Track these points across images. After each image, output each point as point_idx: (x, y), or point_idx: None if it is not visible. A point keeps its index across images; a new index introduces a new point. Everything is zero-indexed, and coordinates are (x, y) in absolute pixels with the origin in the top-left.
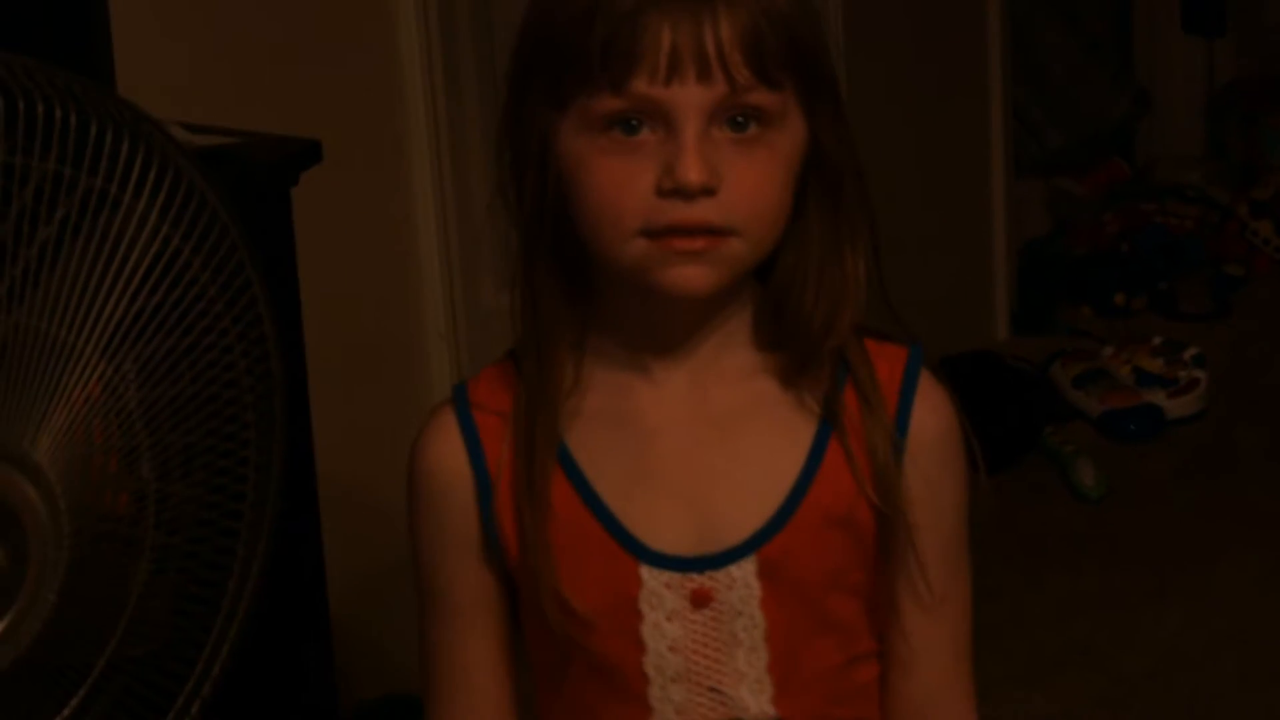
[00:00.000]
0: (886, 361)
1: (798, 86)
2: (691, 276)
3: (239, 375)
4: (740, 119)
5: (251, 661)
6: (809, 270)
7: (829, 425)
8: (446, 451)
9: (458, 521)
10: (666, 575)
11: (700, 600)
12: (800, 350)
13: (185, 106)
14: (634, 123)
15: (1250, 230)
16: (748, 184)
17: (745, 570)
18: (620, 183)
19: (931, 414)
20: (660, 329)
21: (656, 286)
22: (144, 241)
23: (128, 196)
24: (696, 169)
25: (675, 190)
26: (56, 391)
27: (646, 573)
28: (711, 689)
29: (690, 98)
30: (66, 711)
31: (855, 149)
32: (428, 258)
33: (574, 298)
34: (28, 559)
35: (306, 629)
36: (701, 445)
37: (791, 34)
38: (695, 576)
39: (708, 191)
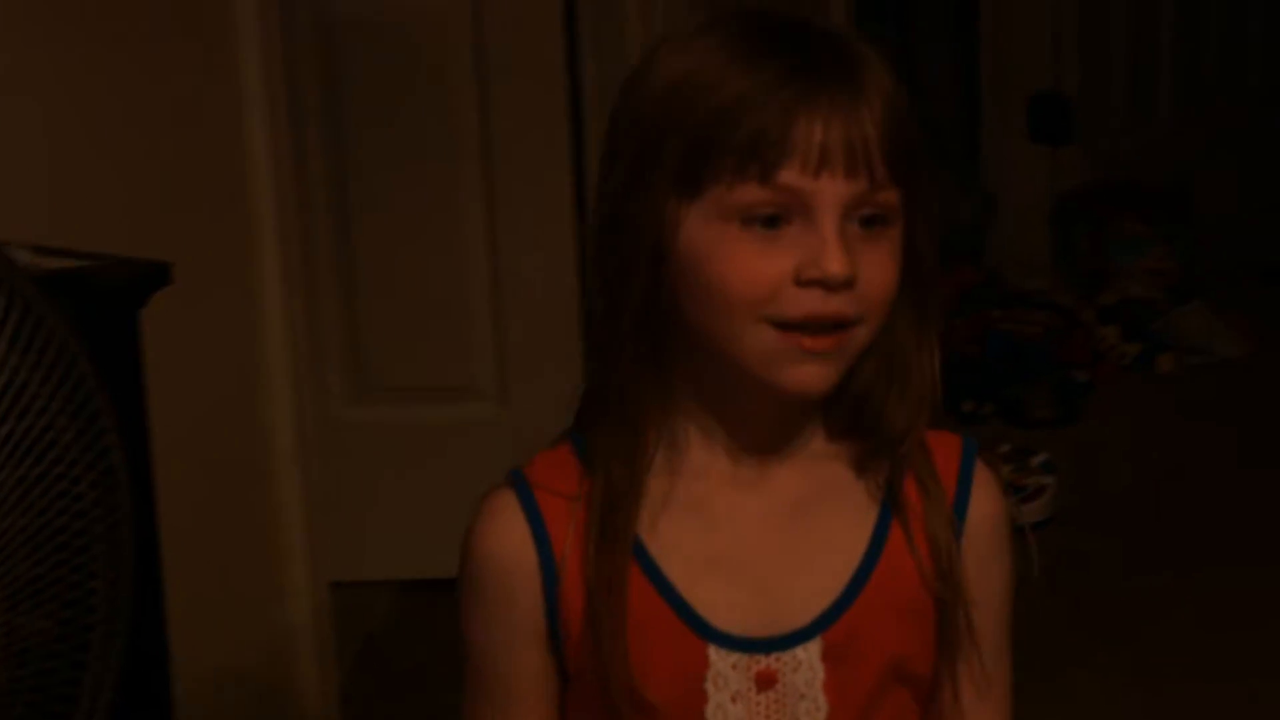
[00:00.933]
0: (943, 450)
1: (907, 186)
2: (814, 376)
3: (87, 506)
4: (869, 215)
5: None
6: (895, 369)
7: (890, 512)
8: (511, 536)
9: (522, 607)
10: (734, 656)
11: (765, 682)
12: (876, 443)
13: (36, 227)
14: (775, 218)
15: (1097, 336)
16: (877, 277)
17: (810, 653)
18: (758, 269)
19: (987, 500)
20: (752, 421)
21: (777, 383)
22: None
23: None
24: (840, 261)
25: (819, 281)
26: None
27: (714, 653)
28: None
29: (836, 191)
30: None
31: (939, 253)
32: (278, 375)
33: (662, 389)
34: None
35: None
36: (769, 529)
37: (910, 135)
38: (761, 658)
39: (848, 284)
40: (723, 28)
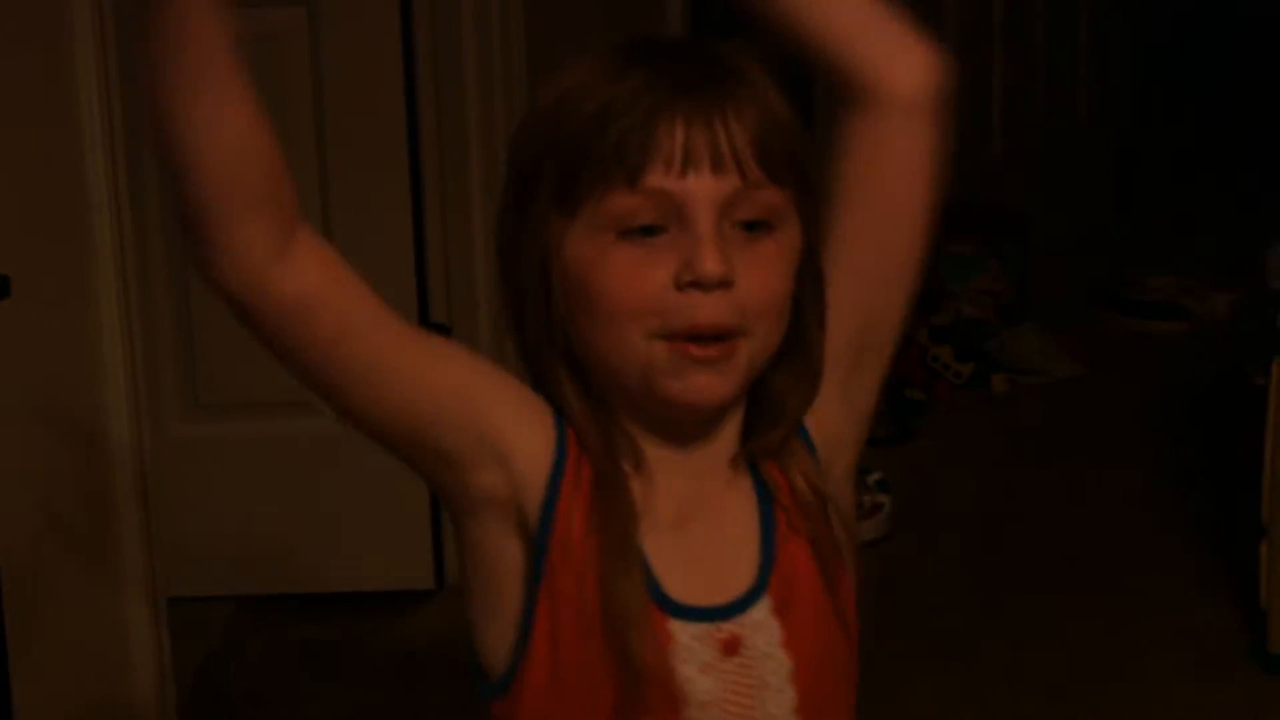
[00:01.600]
0: None
1: (795, 191)
2: (707, 386)
3: None
4: (750, 219)
5: None
6: (802, 374)
7: (761, 487)
8: (540, 425)
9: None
10: (695, 628)
11: (730, 648)
12: (775, 439)
13: None
14: (652, 227)
15: (931, 355)
16: (758, 280)
17: (763, 610)
18: (637, 277)
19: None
20: (672, 426)
21: (670, 397)
22: None
23: None
24: (714, 259)
25: (694, 282)
26: None
27: (676, 627)
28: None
29: (705, 190)
30: None
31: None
32: (113, 391)
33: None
34: None
35: None
36: (703, 510)
37: (790, 140)
38: (722, 624)
39: (725, 284)
40: (602, 50)
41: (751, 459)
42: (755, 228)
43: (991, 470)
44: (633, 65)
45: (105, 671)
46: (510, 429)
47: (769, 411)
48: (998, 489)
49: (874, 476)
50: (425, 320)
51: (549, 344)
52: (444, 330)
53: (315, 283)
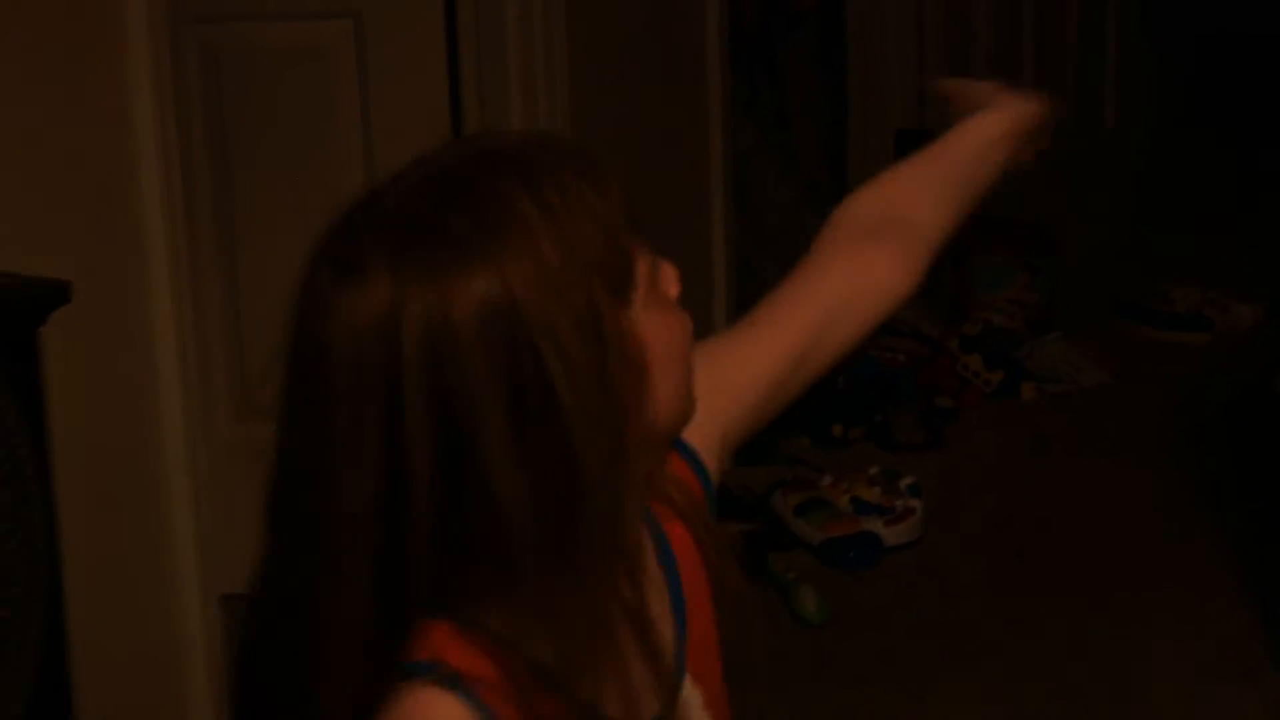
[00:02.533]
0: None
1: None
2: None
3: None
4: None
5: None
6: None
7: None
8: None
9: None
10: None
11: None
12: None
13: None
14: None
15: (961, 364)
16: None
17: (688, 685)
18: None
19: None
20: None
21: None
22: None
23: None
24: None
25: None
26: None
27: None
28: None
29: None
30: None
31: None
32: (169, 392)
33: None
34: None
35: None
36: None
37: None
38: None
39: None
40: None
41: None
42: None
43: (1019, 476)
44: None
45: (159, 664)
46: None
47: None
48: (1025, 495)
49: (905, 481)
50: None
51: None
52: None
53: None
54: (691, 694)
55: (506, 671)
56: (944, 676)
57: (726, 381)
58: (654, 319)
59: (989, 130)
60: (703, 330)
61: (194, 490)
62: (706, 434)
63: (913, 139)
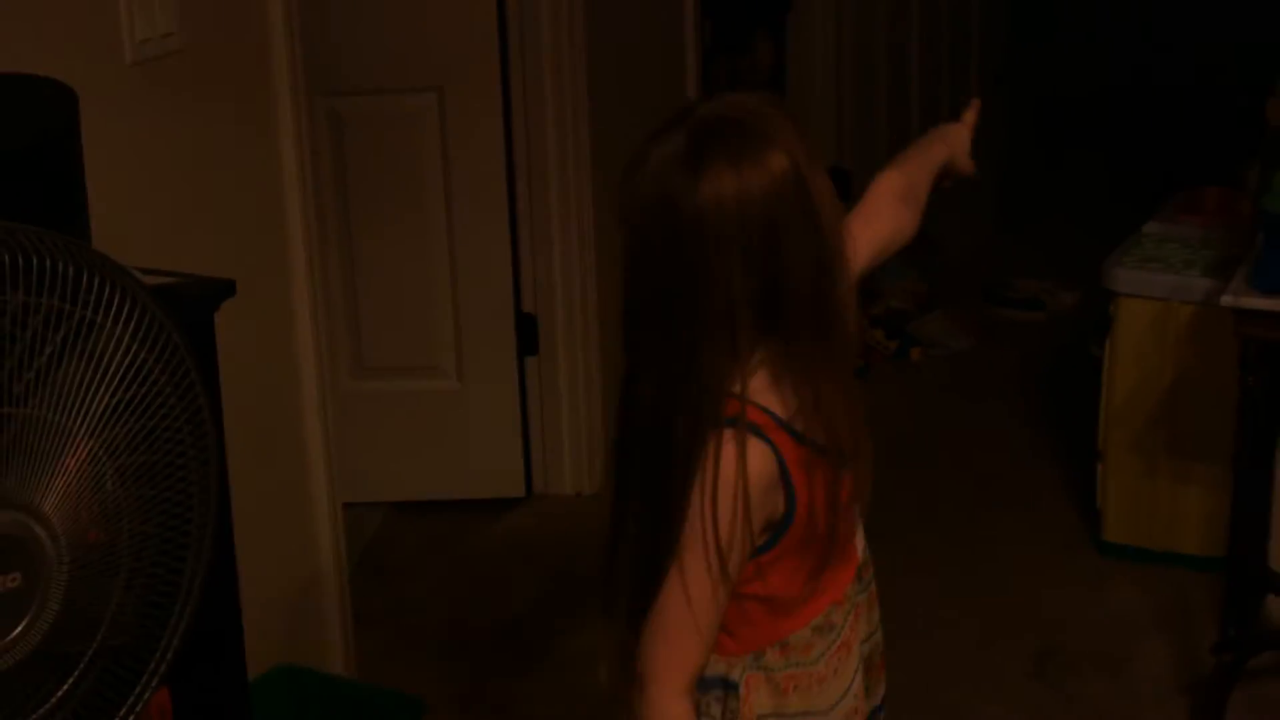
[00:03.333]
0: None
1: None
2: None
3: (186, 448)
4: None
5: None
6: None
7: None
8: (769, 464)
9: (768, 509)
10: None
11: None
12: None
13: (148, 256)
14: None
15: (870, 336)
16: None
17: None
18: None
19: None
20: None
21: None
22: (119, 354)
23: (108, 322)
24: None
25: None
26: (57, 461)
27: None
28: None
29: None
30: (66, 686)
31: None
32: (306, 358)
33: None
34: (38, 579)
35: (225, 618)
36: None
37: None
38: None
39: None
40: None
41: None
42: None
43: (910, 415)
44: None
45: (298, 552)
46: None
47: None
48: (914, 428)
49: None
50: (519, 309)
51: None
52: (531, 319)
53: None
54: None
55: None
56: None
57: None
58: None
59: (941, 155)
60: None
61: (323, 428)
62: None
63: (833, 174)
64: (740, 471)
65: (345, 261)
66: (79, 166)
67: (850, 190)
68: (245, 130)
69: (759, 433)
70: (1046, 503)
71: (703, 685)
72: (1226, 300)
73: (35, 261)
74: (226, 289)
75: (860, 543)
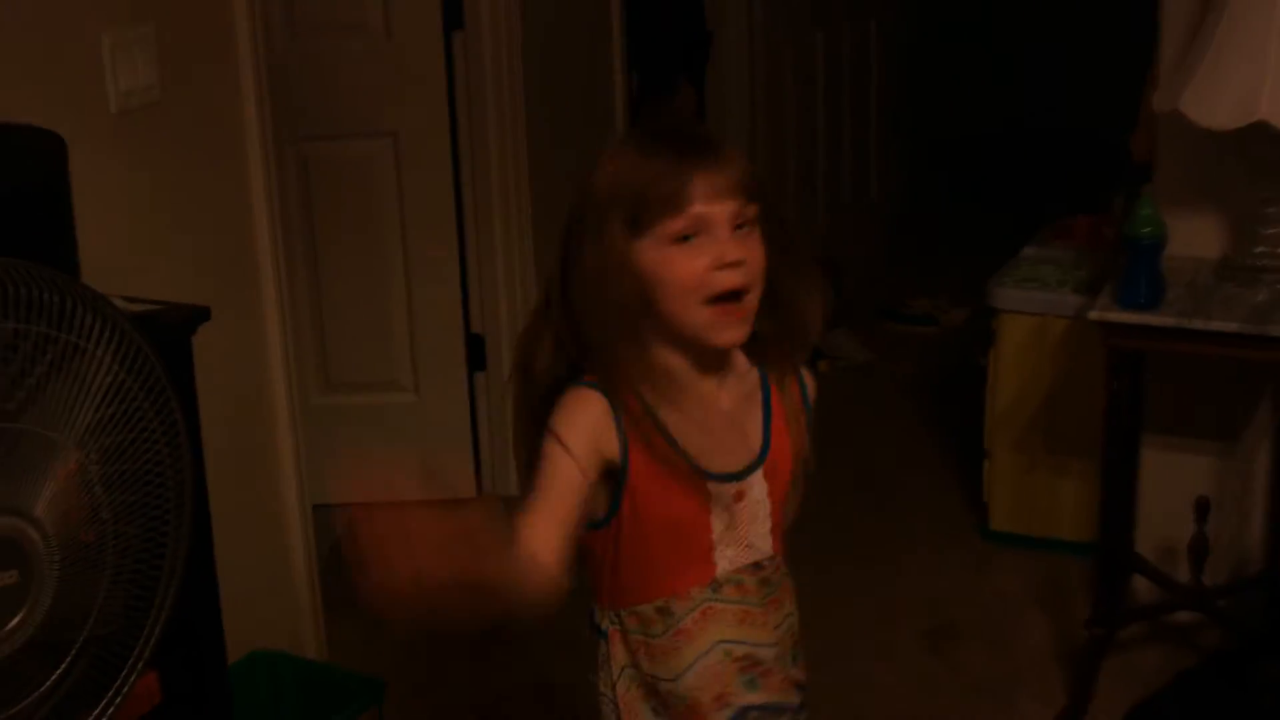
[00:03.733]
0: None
1: (759, 203)
2: (736, 335)
3: (163, 457)
4: (740, 224)
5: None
6: (785, 321)
7: (768, 400)
8: (601, 406)
9: (606, 441)
10: (722, 485)
11: (739, 497)
12: (775, 366)
13: (126, 279)
14: (689, 236)
15: None
16: (752, 257)
17: (758, 475)
18: (690, 264)
19: (810, 387)
20: (705, 358)
21: (715, 343)
22: (101, 375)
23: (91, 347)
24: (735, 250)
25: (726, 264)
26: (48, 470)
27: (712, 486)
28: (747, 545)
29: (724, 210)
30: (59, 672)
31: (808, 246)
32: (277, 376)
33: (642, 351)
34: (32, 576)
35: (205, 609)
36: (724, 414)
37: (754, 177)
38: (736, 484)
39: (739, 263)
40: (629, 143)
41: (765, 385)
42: (742, 227)
43: (819, 418)
44: (662, 145)
45: (273, 549)
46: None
47: (771, 351)
48: (824, 429)
49: None
50: (468, 329)
51: (630, 313)
52: (479, 338)
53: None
54: (759, 481)
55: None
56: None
57: None
58: (652, 254)
59: None
60: None
61: (294, 437)
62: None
63: None
64: (577, 393)
65: (313, 290)
66: (68, 206)
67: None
68: (219, 172)
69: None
70: (939, 497)
71: (591, 627)
72: (1094, 315)
73: (25, 292)
74: (202, 314)
75: (738, 563)
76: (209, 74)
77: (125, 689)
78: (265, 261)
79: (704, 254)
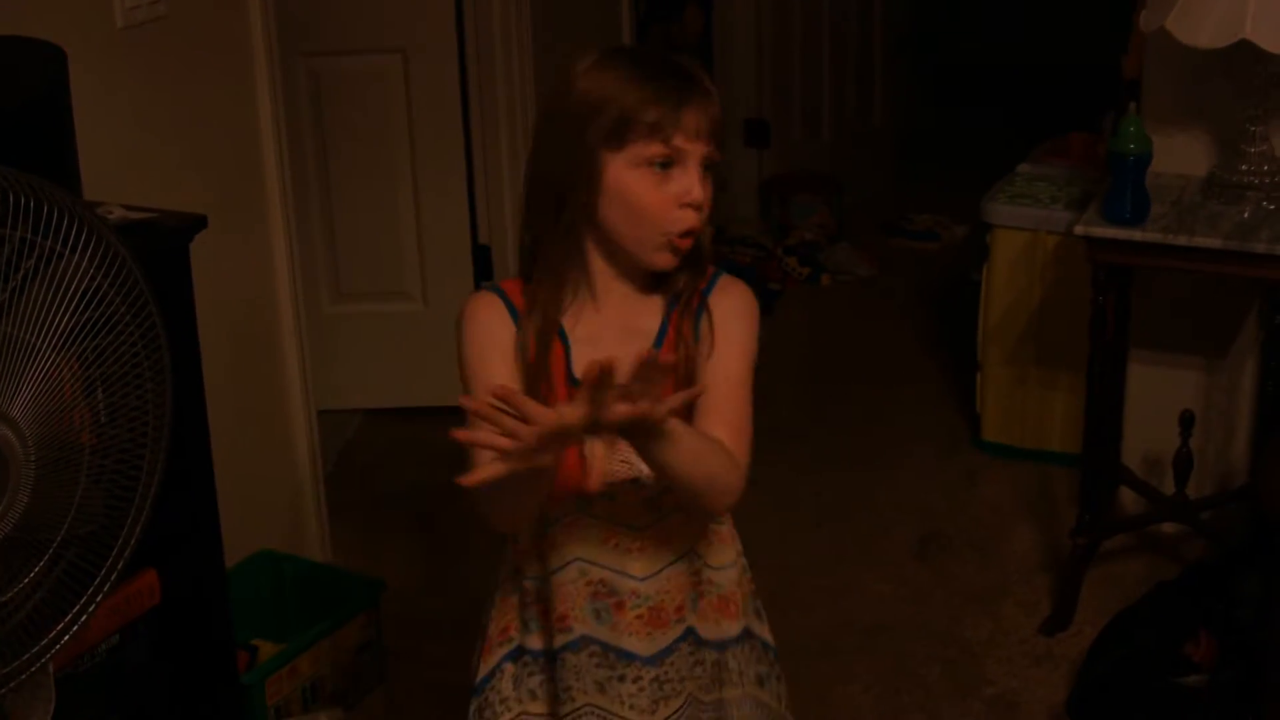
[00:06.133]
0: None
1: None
2: (674, 261)
3: (141, 363)
4: (707, 166)
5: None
6: (698, 250)
7: (665, 326)
8: (496, 308)
9: (502, 343)
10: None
11: None
12: (677, 291)
13: (131, 189)
14: (666, 164)
15: (785, 263)
16: (707, 202)
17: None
18: (658, 191)
19: (723, 298)
20: (631, 274)
21: (654, 265)
22: (80, 280)
23: (69, 253)
24: (700, 190)
25: (689, 203)
26: (24, 372)
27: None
28: (623, 460)
29: (699, 149)
30: (38, 570)
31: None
32: (283, 285)
33: (579, 257)
34: (8, 474)
35: (204, 510)
36: (618, 332)
37: (723, 126)
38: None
39: (700, 205)
40: (621, 59)
41: (668, 311)
42: (708, 170)
43: (820, 331)
44: (661, 71)
45: (279, 453)
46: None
47: (675, 280)
48: (825, 341)
49: None
50: (475, 240)
51: (583, 222)
52: (485, 249)
53: None
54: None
55: (530, 304)
56: (766, 452)
57: None
58: (626, 172)
59: None
60: None
61: (299, 344)
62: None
63: (755, 124)
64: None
65: (324, 203)
66: (69, 118)
67: (769, 138)
68: (225, 87)
69: (501, 295)
70: (933, 408)
71: None
72: (1079, 229)
73: (3, 198)
74: (199, 222)
75: (614, 477)
76: None
77: (106, 586)
78: (271, 173)
79: (674, 184)
